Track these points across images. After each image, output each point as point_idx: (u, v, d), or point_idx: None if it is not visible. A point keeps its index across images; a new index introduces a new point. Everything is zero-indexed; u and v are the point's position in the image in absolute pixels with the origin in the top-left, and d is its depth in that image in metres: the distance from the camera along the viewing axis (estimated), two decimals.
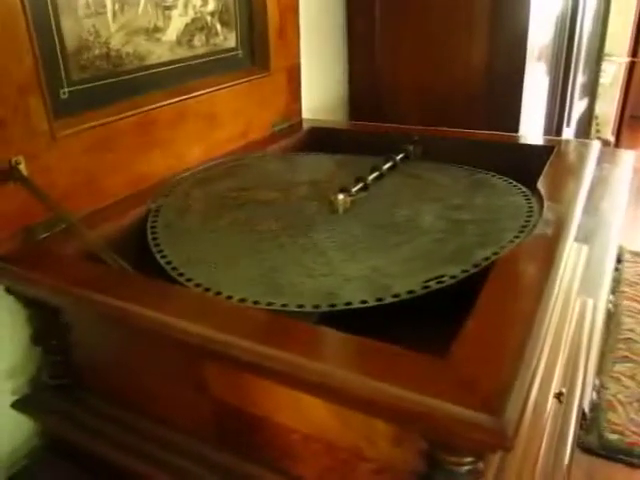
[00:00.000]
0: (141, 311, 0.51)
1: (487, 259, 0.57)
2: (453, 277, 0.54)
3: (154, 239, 0.68)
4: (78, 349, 0.66)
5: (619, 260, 2.15)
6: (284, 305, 0.53)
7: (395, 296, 0.53)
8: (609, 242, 1.60)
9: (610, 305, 1.87)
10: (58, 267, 0.59)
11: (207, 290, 0.57)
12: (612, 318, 1.85)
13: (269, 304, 0.53)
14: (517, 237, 0.60)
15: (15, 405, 0.69)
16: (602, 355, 1.65)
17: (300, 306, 0.53)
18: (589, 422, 1.41)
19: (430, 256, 0.60)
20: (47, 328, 0.66)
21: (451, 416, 0.37)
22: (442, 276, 0.55)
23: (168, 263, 0.62)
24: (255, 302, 0.53)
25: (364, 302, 0.52)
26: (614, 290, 1.98)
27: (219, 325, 0.48)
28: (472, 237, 0.62)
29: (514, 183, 0.77)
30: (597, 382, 1.54)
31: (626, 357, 1.67)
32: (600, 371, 1.59)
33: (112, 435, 0.62)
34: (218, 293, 0.56)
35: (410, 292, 0.53)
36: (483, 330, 0.45)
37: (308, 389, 0.45)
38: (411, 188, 0.79)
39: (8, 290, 0.64)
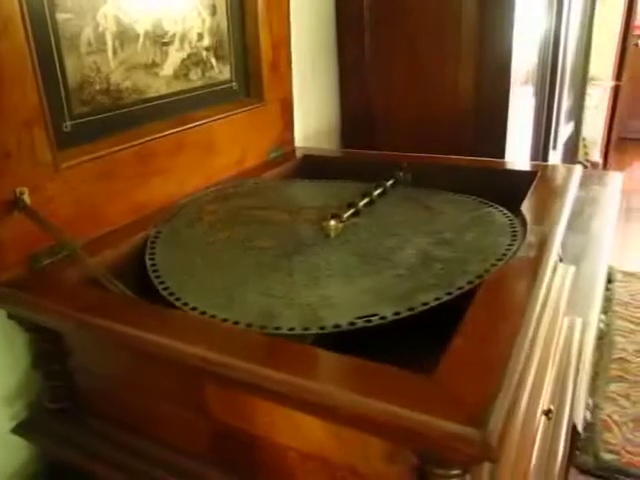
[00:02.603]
0: (141, 334, 0.53)
1: (411, 309, 0.56)
2: (382, 318, 0.55)
3: (152, 248, 0.73)
4: (78, 373, 0.68)
5: (610, 280, 2.18)
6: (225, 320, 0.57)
7: (321, 328, 0.55)
8: (599, 262, 1.63)
9: (602, 325, 1.90)
10: (60, 293, 0.61)
11: (171, 295, 0.63)
12: (605, 338, 1.87)
13: (212, 316, 0.58)
14: (470, 282, 0.60)
15: (15, 430, 0.71)
16: (596, 375, 1.67)
17: (236, 323, 0.57)
18: (584, 442, 1.42)
19: (381, 292, 0.61)
20: (48, 352, 0.67)
21: (439, 430, 0.39)
22: (375, 315, 0.56)
23: (153, 265, 0.70)
24: (202, 312, 0.59)
25: (291, 329, 0.55)
26: (606, 310, 2.01)
27: (217, 347, 0.50)
28: (428, 279, 0.62)
29: (513, 222, 0.75)
30: (591, 402, 1.55)
31: (620, 377, 1.69)
32: (594, 391, 1.61)
33: (112, 457, 0.64)
34: (177, 299, 0.62)
35: (336, 326, 0.55)
36: (468, 348, 0.47)
37: (305, 408, 0.47)
38: (416, 217, 0.81)
39: (9, 315, 0.66)
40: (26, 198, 0.64)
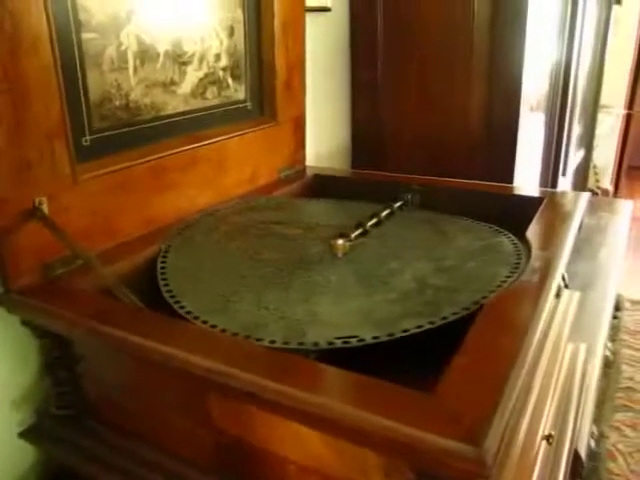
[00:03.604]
0: (148, 344, 0.55)
1: (391, 335, 0.57)
2: (361, 340, 0.57)
3: (165, 252, 0.77)
4: (87, 380, 0.69)
5: (618, 308, 2.17)
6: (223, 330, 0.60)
7: (300, 344, 0.57)
8: (607, 289, 1.62)
9: (609, 353, 1.88)
10: (73, 301, 0.63)
11: (171, 297, 0.67)
12: (611, 366, 1.86)
13: (204, 322, 0.61)
14: (455, 313, 0.60)
15: (22, 435, 0.72)
16: (601, 403, 1.65)
17: (223, 330, 0.59)
18: (589, 471, 1.41)
19: (369, 314, 0.62)
20: (58, 359, 0.69)
21: (437, 447, 0.40)
22: (355, 337, 0.57)
23: (163, 267, 0.73)
24: (195, 317, 0.62)
25: (272, 342, 0.57)
26: (613, 338, 2.00)
27: (222, 358, 0.51)
28: (417, 306, 0.63)
29: (520, 253, 0.74)
30: (596, 431, 1.54)
31: (626, 406, 1.67)
32: (599, 420, 1.59)
33: (116, 465, 0.65)
34: (176, 302, 0.65)
35: (315, 344, 0.56)
36: (467, 367, 0.48)
37: (305, 420, 0.48)
38: (427, 242, 0.82)
39: (23, 322, 0.68)
40: (44, 208, 0.66)
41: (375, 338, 0.57)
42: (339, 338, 0.57)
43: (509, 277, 0.67)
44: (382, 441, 0.43)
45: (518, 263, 0.71)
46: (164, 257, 0.76)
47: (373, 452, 0.47)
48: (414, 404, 0.44)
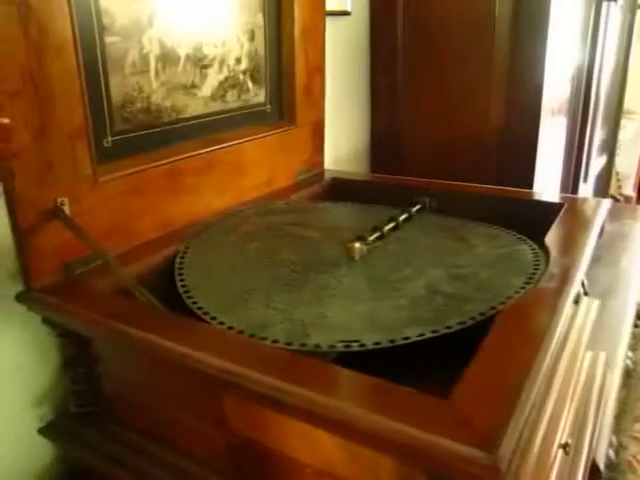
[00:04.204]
0: (166, 344, 0.55)
1: (392, 341, 0.57)
2: (362, 345, 0.57)
3: (186, 247, 0.79)
4: (105, 379, 0.70)
5: None
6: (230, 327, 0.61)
7: (302, 345, 0.57)
8: (628, 297, 1.59)
9: (630, 362, 1.85)
10: (92, 301, 0.64)
11: (185, 292, 0.69)
12: (632, 376, 1.82)
13: (213, 319, 0.62)
14: (461, 323, 0.60)
15: (42, 431, 0.73)
16: (622, 413, 1.62)
17: (230, 328, 0.61)
18: None
19: (375, 319, 0.62)
20: (77, 357, 0.70)
21: (450, 452, 0.40)
22: (356, 341, 0.57)
23: (181, 263, 0.76)
24: (205, 312, 0.64)
25: (275, 342, 0.58)
26: (635, 347, 1.96)
27: (238, 359, 0.52)
28: (424, 313, 0.63)
29: (539, 263, 0.72)
30: (616, 441, 1.51)
31: None
32: (619, 430, 1.56)
33: (131, 464, 0.66)
34: (189, 297, 0.68)
35: (316, 346, 0.57)
36: (483, 374, 0.48)
37: (319, 423, 0.48)
38: (445, 248, 0.81)
39: (44, 320, 0.69)
40: (66, 208, 0.68)
41: (376, 344, 0.57)
42: (341, 342, 0.57)
43: (523, 288, 0.66)
44: (395, 445, 0.43)
45: (534, 273, 0.69)
46: (183, 255, 0.77)
47: (387, 456, 0.46)
48: (429, 409, 0.44)
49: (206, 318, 0.63)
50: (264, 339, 0.58)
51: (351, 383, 0.49)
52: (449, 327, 0.59)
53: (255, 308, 0.65)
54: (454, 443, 0.40)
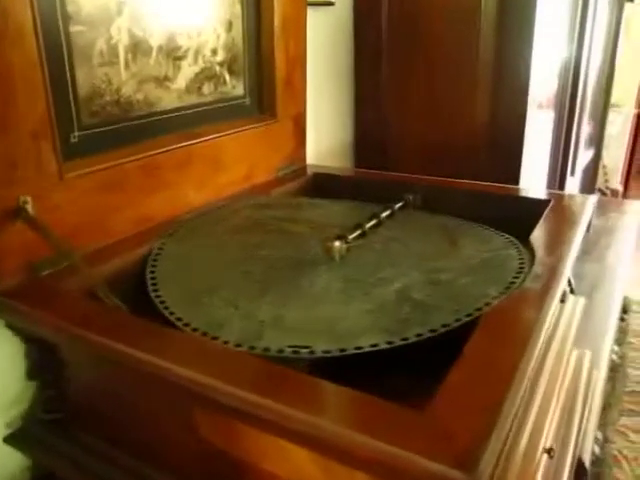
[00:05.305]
0: (133, 353, 0.52)
1: (343, 350, 0.55)
2: (311, 352, 0.54)
3: (170, 235, 0.78)
4: (72, 385, 0.67)
5: (626, 311, 2.13)
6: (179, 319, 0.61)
7: (251, 347, 0.55)
8: (614, 292, 1.59)
9: (615, 356, 1.85)
10: (56, 305, 0.61)
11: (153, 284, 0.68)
12: (618, 370, 1.83)
13: (171, 314, 0.61)
14: (419, 335, 0.57)
15: (7, 439, 0.70)
16: (607, 407, 1.62)
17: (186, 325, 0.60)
18: (593, 477, 1.38)
19: (334, 324, 0.59)
20: (43, 363, 0.67)
21: (424, 470, 0.38)
22: (306, 347, 0.55)
23: (157, 254, 0.74)
24: (165, 307, 0.63)
25: (226, 342, 0.56)
26: (620, 341, 1.96)
27: (208, 369, 0.49)
28: (387, 322, 0.60)
29: (522, 269, 0.69)
30: (601, 436, 1.51)
31: (632, 410, 1.64)
32: (605, 424, 1.56)
33: (100, 472, 0.63)
34: (155, 289, 0.66)
35: (265, 349, 0.55)
36: (463, 383, 0.45)
37: (289, 437, 0.45)
38: (431, 250, 0.78)
39: (7, 324, 0.66)
40: (29, 207, 0.64)
41: (326, 352, 0.54)
42: (291, 347, 0.55)
43: (496, 298, 0.62)
44: (369, 462, 0.40)
45: (513, 282, 0.65)
46: (160, 249, 0.75)
47: (360, 472, 0.44)
48: (405, 423, 0.41)
49: (165, 312, 0.61)
50: (215, 339, 0.56)
51: (324, 395, 0.46)
52: (405, 339, 0.56)
53: (218, 305, 0.63)
54: (430, 462, 0.37)
